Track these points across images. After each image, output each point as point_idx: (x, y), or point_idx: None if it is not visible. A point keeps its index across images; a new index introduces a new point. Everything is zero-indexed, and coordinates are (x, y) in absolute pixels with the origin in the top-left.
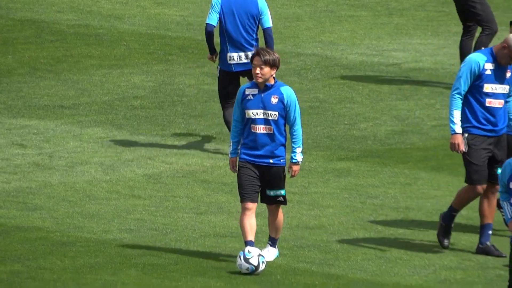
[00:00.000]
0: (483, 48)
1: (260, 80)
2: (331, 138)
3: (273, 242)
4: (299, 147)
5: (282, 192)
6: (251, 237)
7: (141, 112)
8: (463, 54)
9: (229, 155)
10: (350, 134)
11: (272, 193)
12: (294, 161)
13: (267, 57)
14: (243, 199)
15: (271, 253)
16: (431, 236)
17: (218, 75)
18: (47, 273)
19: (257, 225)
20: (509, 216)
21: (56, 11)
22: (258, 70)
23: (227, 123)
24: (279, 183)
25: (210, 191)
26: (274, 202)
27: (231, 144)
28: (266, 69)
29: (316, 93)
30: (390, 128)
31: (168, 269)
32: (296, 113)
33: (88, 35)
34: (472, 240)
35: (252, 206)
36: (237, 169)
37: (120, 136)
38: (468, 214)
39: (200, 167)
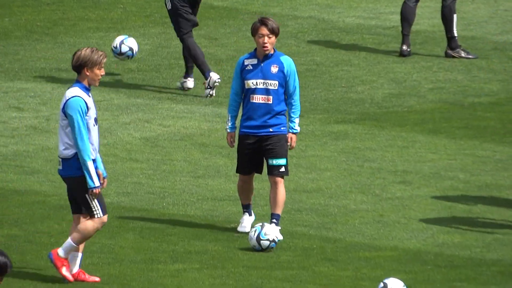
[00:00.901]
0: (455, 16)
1: (267, 50)
2: (328, 101)
3: (277, 219)
4: (297, 117)
5: (283, 161)
6: (248, 201)
7: (138, 75)
8: (405, 19)
9: (227, 129)
10: (347, 97)
11: (274, 162)
12: (293, 131)
13: (274, 25)
14: (239, 172)
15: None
16: (428, 199)
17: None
18: (44, 236)
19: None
20: None
21: None
22: (266, 40)
23: (194, 53)
24: (281, 151)
25: (207, 154)
26: (276, 173)
27: (229, 118)
28: (273, 38)
29: (313, 56)
30: (387, 91)
31: (166, 233)
32: (296, 82)
33: None
34: (469, 204)
35: (247, 177)
36: (235, 143)
37: (117, 99)
38: (466, 178)
39: (198, 130)
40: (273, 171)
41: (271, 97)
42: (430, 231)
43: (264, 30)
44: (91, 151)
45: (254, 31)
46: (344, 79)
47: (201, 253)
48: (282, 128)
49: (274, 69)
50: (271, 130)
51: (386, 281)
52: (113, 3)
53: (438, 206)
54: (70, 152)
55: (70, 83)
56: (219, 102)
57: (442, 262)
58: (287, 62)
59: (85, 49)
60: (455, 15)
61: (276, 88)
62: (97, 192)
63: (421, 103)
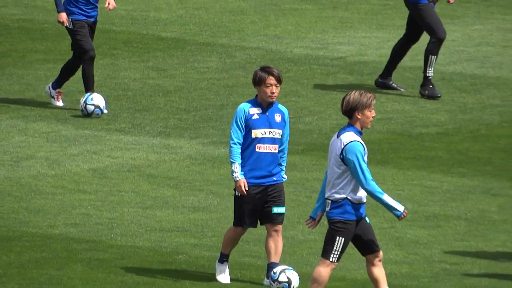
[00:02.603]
0: (431, 57)
1: (273, 100)
2: None
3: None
4: (285, 165)
5: (284, 209)
6: (228, 251)
7: None
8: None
9: (237, 177)
10: (295, 128)
11: (279, 210)
12: (283, 179)
13: (280, 75)
14: (244, 226)
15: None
16: (376, 229)
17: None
18: None
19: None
20: None
21: (0, 5)
22: (274, 89)
23: (89, 77)
24: (283, 199)
25: (155, 186)
26: (279, 221)
27: (237, 165)
28: (279, 88)
29: None
30: (335, 122)
31: (114, 264)
32: (288, 131)
33: (33, 29)
34: (417, 234)
35: (244, 230)
36: (244, 189)
37: (65, 131)
38: (413, 208)
39: (146, 161)
40: (277, 219)
41: (277, 146)
42: None
43: (272, 80)
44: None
45: (260, 81)
46: (292, 110)
47: (149, 284)
48: (281, 177)
49: (278, 118)
50: (274, 178)
51: None
52: (61, 34)
53: (386, 237)
54: (341, 196)
55: (18, 114)
56: (167, 133)
57: None
58: (285, 110)
59: (353, 92)
60: (432, 56)
61: (280, 137)
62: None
63: (369, 133)
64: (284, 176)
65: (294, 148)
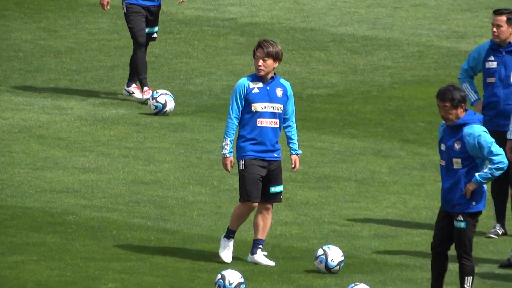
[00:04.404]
0: None
1: (262, 72)
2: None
3: (262, 245)
4: (297, 139)
5: (282, 187)
6: (235, 227)
7: None
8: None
9: (225, 154)
10: (186, 89)
11: (276, 189)
12: (297, 152)
13: (270, 49)
14: (253, 199)
15: (263, 257)
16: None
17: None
18: None
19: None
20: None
21: None
22: (260, 62)
23: (141, 66)
24: (281, 177)
25: (46, 146)
26: (277, 199)
27: (227, 142)
28: (269, 61)
29: (152, 48)
30: (225, 83)
31: (4, 225)
32: (294, 105)
33: None
34: (307, 195)
35: (254, 205)
36: (230, 168)
37: None
38: (304, 170)
39: (36, 122)
40: (275, 197)
41: (277, 120)
42: None
43: (260, 52)
44: None
45: (253, 54)
46: (183, 71)
47: (39, 245)
48: (280, 154)
49: (279, 92)
50: (275, 155)
51: (223, 272)
52: None
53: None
54: None
55: None
56: (58, 94)
57: (279, 254)
58: (288, 84)
59: None
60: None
61: (281, 111)
62: None
63: None
64: (298, 149)
65: (185, 109)
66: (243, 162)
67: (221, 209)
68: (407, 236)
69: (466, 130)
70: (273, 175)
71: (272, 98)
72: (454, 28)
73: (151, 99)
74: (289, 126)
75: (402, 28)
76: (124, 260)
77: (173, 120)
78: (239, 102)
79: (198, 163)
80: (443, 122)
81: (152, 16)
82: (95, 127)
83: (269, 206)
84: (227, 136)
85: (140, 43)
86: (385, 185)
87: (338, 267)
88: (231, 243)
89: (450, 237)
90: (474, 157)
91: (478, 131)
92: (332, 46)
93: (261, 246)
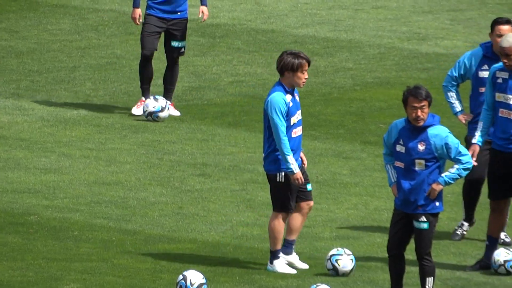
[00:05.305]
0: None
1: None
2: (128, 94)
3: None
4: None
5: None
6: (280, 246)
7: None
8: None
9: (296, 170)
10: (151, 90)
11: (310, 187)
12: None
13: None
14: (289, 210)
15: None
16: (228, 192)
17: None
18: None
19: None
20: (392, 180)
21: None
22: (307, 76)
23: (145, 75)
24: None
25: (7, 147)
26: (311, 198)
27: (292, 158)
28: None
29: (114, 49)
30: (187, 84)
31: None
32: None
33: None
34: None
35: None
36: (300, 182)
37: None
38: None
39: None
40: (310, 196)
41: (301, 127)
42: (229, 223)
43: (307, 66)
44: None
45: (298, 67)
46: None
47: (0, 245)
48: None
49: (298, 98)
50: (301, 158)
51: (185, 273)
52: None
53: (237, 199)
54: None
55: None
56: (20, 95)
57: (241, 255)
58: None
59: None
60: None
61: (300, 117)
62: None
63: (221, 96)
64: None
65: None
66: (282, 175)
67: (182, 210)
68: (368, 238)
69: (431, 131)
70: (305, 177)
71: (299, 107)
72: (415, 30)
73: (152, 99)
74: None
75: (364, 30)
76: (86, 260)
77: (134, 121)
78: (285, 118)
79: (159, 164)
80: (397, 122)
81: (176, 30)
82: (57, 128)
83: (311, 204)
84: (289, 152)
85: (144, 55)
86: (347, 187)
87: None
88: (288, 257)
89: (407, 239)
90: (438, 158)
91: (444, 132)
92: (294, 47)
93: (294, 247)
